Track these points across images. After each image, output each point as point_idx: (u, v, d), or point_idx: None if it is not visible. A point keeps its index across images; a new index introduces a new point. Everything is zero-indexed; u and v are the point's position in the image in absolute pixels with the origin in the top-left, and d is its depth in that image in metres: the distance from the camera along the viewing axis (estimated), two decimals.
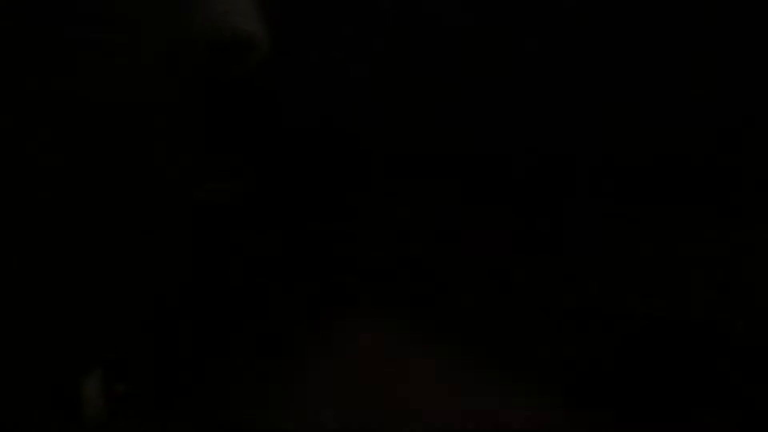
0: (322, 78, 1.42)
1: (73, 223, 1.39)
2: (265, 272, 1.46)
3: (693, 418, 1.36)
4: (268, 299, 1.45)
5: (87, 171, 1.39)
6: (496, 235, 1.43)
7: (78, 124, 1.36)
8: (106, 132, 1.37)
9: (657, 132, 1.42)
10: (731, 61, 1.41)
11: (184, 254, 1.45)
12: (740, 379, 1.36)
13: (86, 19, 1.35)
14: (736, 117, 1.42)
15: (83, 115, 1.36)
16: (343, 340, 1.40)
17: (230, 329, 1.46)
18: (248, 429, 1.42)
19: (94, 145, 1.38)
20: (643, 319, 1.40)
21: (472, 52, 1.43)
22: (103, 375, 1.40)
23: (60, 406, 1.40)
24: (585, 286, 1.41)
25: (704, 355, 1.37)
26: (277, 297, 1.45)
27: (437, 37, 1.42)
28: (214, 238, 1.45)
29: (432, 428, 1.31)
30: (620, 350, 1.38)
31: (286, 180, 1.46)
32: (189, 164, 1.41)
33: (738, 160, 1.42)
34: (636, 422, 1.36)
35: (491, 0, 1.42)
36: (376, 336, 1.38)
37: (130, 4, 1.33)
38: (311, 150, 1.45)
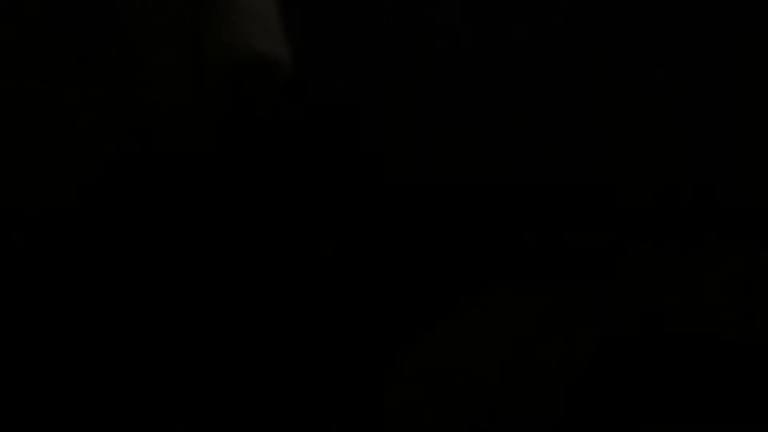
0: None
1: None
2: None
3: None
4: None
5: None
6: None
7: (102, 144, 1.35)
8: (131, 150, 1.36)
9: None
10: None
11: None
12: None
13: (108, 36, 1.33)
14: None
15: (108, 134, 1.35)
16: None
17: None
18: None
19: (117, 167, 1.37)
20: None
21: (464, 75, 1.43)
22: None
23: None
24: None
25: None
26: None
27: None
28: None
29: None
30: None
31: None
32: (212, 182, 1.40)
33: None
34: None
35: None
36: None
37: (153, 24, 1.31)
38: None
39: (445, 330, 1.41)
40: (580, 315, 1.43)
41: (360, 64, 1.43)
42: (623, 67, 1.47)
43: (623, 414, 1.36)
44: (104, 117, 1.34)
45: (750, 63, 1.48)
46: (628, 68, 1.46)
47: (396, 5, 1.43)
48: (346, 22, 1.41)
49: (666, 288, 1.45)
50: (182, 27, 1.31)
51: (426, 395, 1.35)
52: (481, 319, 1.43)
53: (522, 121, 1.47)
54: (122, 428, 1.35)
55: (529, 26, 1.45)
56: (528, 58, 1.46)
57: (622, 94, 1.47)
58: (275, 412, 1.37)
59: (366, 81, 1.43)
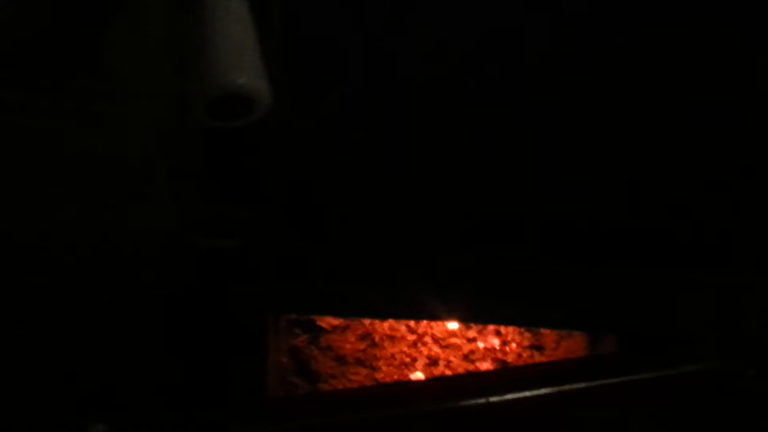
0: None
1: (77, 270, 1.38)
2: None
3: None
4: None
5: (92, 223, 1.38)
6: None
7: (87, 177, 1.35)
8: (111, 185, 1.36)
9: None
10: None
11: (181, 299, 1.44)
12: None
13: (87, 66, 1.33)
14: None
15: (91, 168, 1.35)
16: None
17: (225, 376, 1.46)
18: None
19: (99, 197, 1.37)
20: None
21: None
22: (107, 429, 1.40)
23: None
24: None
25: None
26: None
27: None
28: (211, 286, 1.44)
29: None
30: None
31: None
32: (191, 215, 1.39)
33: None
34: None
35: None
36: None
37: (134, 58, 1.30)
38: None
39: None
40: None
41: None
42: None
43: None
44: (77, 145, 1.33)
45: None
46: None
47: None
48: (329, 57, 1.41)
49: None
50: (162, 61, 1.30)
51: None
52: None
53: None
54: None
55: None
56: None
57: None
58: None
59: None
